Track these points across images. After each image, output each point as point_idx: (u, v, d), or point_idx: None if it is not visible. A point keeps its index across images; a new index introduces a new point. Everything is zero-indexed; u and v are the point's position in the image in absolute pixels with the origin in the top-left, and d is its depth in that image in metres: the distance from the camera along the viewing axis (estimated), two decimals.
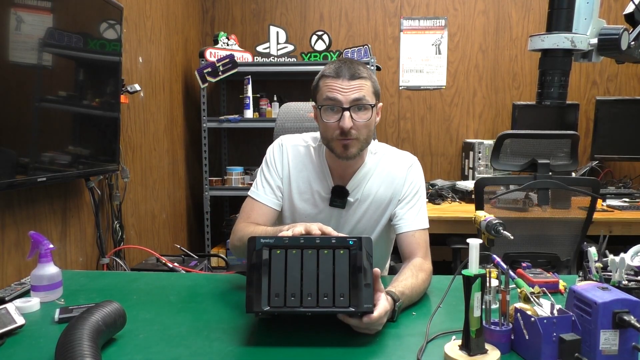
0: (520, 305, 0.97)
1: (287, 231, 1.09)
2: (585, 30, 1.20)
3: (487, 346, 0.93)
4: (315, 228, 1.09)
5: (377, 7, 3.45)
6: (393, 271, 1.91)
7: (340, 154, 1.31)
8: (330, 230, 1.09)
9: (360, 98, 1.27)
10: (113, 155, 1.97)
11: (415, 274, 1.23)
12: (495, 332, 0.95)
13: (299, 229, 1.09)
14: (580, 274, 1.21)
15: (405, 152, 1.47)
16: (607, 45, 1.20)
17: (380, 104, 1.37)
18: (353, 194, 1.41)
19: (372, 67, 3.02)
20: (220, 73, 2.96)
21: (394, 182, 1.41)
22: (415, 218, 1.39)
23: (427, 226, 1.41)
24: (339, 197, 1.40)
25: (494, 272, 1.12)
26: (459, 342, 0.94)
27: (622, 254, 1.13)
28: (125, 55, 2.22)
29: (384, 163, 1.43)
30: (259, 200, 1.42)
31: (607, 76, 3.39)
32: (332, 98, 1.27)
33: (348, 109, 1.26)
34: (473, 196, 2.10)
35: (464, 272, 0.92)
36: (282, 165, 1.43)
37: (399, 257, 1.44)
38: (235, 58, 2.99)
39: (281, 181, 1.43)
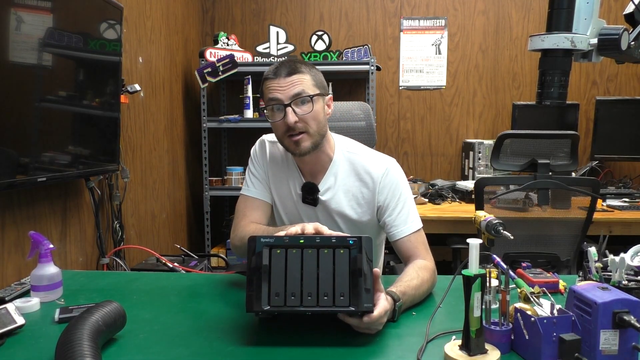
0: (520, 305, 0.97)
1: (282, 232, 1.09)
2: (585, 30, 1.20)
3: (487, 346, 0.93)
4: (310, 227, 1.09)
5: (377, 7, 3.45)
6: (393, 271, 1.91)
7: (294, 150, 1.33)
8: (325, 230, 1.09)
9: (299, 92, 1.28)
10: (113, 155, 1.97)
11: (417, 274, 1.22)
12: (495, 332, 0.95)
13: (294, 229, 1.09)
14: (580, 274, 1.22)
15: (381, 156, 1.44)
16: (607, 45, 1.20)
17: (330, 95, 1.39)
18: (325, 193, 1.40)
19: (372, 67, 3.02)
20: (220, 73, 2.96)
21: (368, 187, 1.39)
22: (406, 222, 1.36)
23: (421, 226, 1.38)
24: (309, 194, 1.40)
25: (494, 272, 1.12)
26: (459, 342, 0.94)
27: (622, 254, 1.13)
28: (125, 55, 2.22)
29: (358, 165, 1.41)
30: (251, 196, 1.44)
31: (607, 76, 3.39)
32: (273, 98, 1.29)
33: (289, 105, 1.28)
34: (473, 196, 2.10)
35: (464, 272, 0.92)
36: (264, 161, 1.46)
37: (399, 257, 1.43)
38: (235, 58, 2.99)
39: (266, 175, 1.45)
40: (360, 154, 1.43)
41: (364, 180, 1.40)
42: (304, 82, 1.30)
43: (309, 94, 1.29)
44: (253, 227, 1.35)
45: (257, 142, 1.50)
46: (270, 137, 1.50)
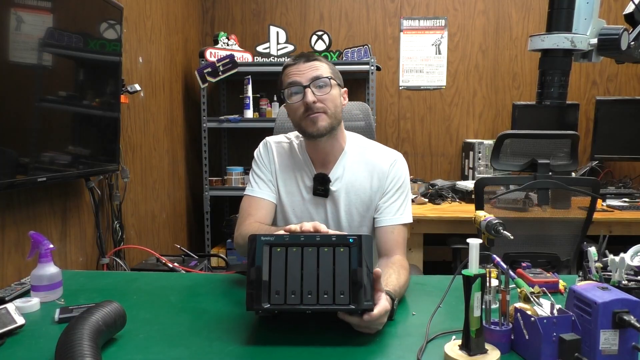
0: (520, 305, 0.97)
1: (281, 230, 1.10)
2: (585, 30, 1.20)
3: (487, 346, 0.93)
4: (309, 227, 1.09)
5: (377, 7, 3.45)
6: None
7: (312, 130, 1.35)
8: (324, 229, 1.09)
9: (317, 75, 1.34)
10: (113, 155, 1.97)
11: (399, 272, 1.23)
12: (495, 332, 0.95)
13: (294, 227, 1.10)
14: (580, 274, 1.21)
15: (390, 149, 1.49)
16: (607, 45, 1.20)
17: (345, 89, 1.44)
18: (335, 183, 1.42)
19: (372, 67, 3.02)
20: (220, 73, 2.96)
21: (377, 177, 1.42)
22: (395, 213, 1.39)
23: (409, 221, 1.41)
24: (320, 184, 1.42)
25: (494, 272, 1.12)
26: (459, 342, 0.94)
27: (622, 254, 1.13)
28: (125, 55, 2.22)
29: (368, 156, 1.45)
30: (255, 196, 1.45)
31: (607, 76, 3.40)
32: (293, 82, 1.35)
33: (308, 86, 1.33)
34: (473, 196, 2.10)
35: (464, 272, 0.92)
36: (270, 162, 1.48)
37: None
38: (235, 58, 2.99)
39: (271, 175, 1.47)
40: (370, 148, 1.48)
41: (374, 171, 1.43)
42: (322, 68, 1.37)
43: (327, 76, 1.35)
44: (256, 226, 1.36)
45: (261, 144, 1.52)
46: (274, 138, 1.52)
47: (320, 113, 1.34)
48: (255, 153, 1.51)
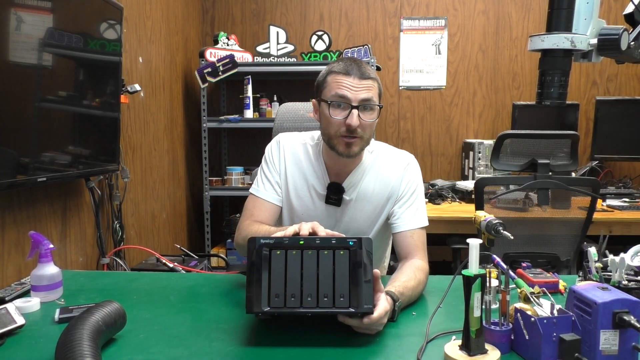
0: (520, 305, 0.97)
1: (279, 232, 1.09)
2: (585, 31, 1.20)
3: (487, 346, 0.93)
4: (308, 227, 1.08)
5: (377, 7, 3.45)
6: (392, 271, 1.91)
7: (343, 151, 1.31)
8: (322, 230, 1.09)
9: (369, 98, 1.28)
10: (113, 155, 1.97)
11: (415, 274, 1.23)
12: (495, 332, 0.95)
13: (292, 228, 1.09)
14: (580, 274, 1.22)
15: (402, 151, 1.47)
16: (607, 45, 1.20)
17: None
18: (349, 192, 1.41)
19: (372, 67, 3.02)
20: (220, 73, 2.96)
21: (390, 181, 1.41)
22: (413, 217, 1.38)
23: (426, 224, 1.40)
24: (334, 194, 1.40)
25: (494, 272, 1.12)
26: (459, 342, 0.94)
27: (622, 254, 1.13)
28: (125, 55, 2.22)
29: (381, 162, 1.43)
30: (260, 197, 1.43)
31: (607, 76, 3.40)
32: (342, 95, 1.28)
33: (357, 107, 1.27)
34: (473, 196, 2.10)
35: (464, 272, 0.92)
36: (280, 162, 1.44)
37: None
38: (235, 58, 2.99)
39: (279, 177, 1.44)
40: (384, 152, 1.45)
41: (387, 177, 1.41)
42: (373, 89, 1.30)
43: (376, 102, 1.31)
44: (256, 227, 1.35)
45: (273, 141, 1.47)
46: (288, 138, 1.47)
47: (357, 139, 1.30)
48: (267, 150, 1.47)
